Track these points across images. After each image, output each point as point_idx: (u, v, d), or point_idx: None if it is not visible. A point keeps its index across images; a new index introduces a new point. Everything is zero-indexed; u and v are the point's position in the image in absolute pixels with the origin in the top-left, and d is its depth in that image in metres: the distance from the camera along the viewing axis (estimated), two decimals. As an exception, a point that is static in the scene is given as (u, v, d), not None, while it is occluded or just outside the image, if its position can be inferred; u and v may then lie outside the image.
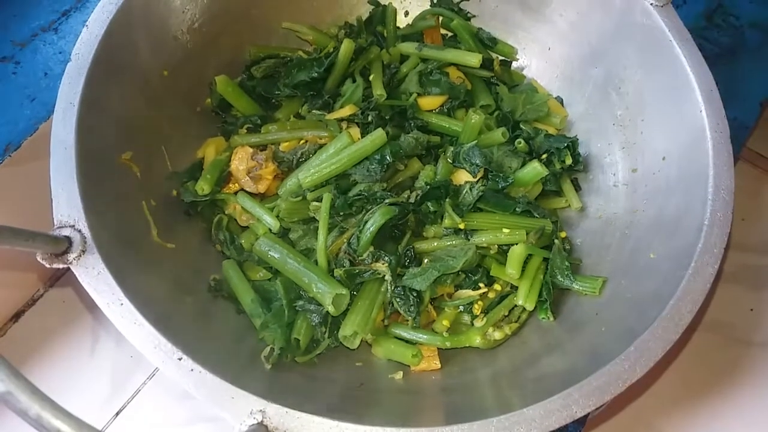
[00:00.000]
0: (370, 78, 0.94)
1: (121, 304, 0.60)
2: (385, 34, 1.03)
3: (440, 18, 1.03)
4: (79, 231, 0.62)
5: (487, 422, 0.56)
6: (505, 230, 0.81)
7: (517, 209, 0.83)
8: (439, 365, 0.77)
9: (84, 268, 0.61)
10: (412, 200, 0.81)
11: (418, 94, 0.93)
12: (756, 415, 0.91)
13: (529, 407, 0.57)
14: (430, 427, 0.57)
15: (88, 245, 0.62)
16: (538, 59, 1.02)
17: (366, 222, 0.77)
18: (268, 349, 0.72)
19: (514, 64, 1.05)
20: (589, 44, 0.93)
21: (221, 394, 0.57)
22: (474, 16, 1.04)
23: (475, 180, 0.84)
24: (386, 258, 0.76)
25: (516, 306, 0.81)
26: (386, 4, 1.04)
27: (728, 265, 1.03)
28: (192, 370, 0.58)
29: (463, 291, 0.81)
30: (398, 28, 1.04)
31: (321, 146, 0.85)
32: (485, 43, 1.02)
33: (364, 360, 0.78)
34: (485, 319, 0.79)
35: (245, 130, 0.91)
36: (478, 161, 0.84)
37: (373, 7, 1.05)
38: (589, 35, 0.93)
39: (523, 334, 0.81)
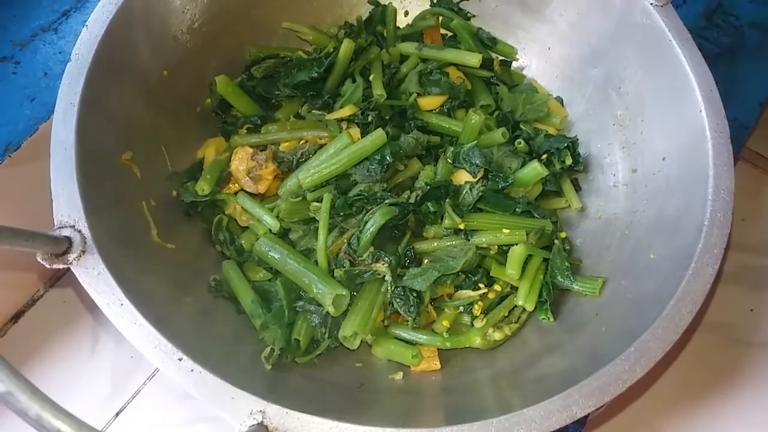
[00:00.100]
0: (370, 78, 0.94)
1: (122, 304, 0.60)
2: (385, 34, 1.03)
3: (440, 18, 1.03)
4: (80, 231, 0.62)
5: (487, 423, 0.56)
6: (505, 230, 0.81)
7: (517, 209, 0.83)
8: (439, 366, 0.77)
9: (84, 269, 0.61)
10: (412, 200, 0.81)
11: (418, 94, 0.93)
12: (756, 415, 0.91)
13: (529, 408, 0.57)
14: (430, 427, 0.57)
15: (89, 245, 0.62)
16: (538, 59, 1.02)
17: (366, 222, 0.77)
18: (268, 349, 0.72)
19: (514, 64, 1.05)
20: (589, 44, 0.93)
21: (221, 394, 0.57)
22: (474, 16, 1.04)
23: (475, 180, 0.84)
24: (386, 258, 0.76)
25: (516, 306, 0.81)
26: (386, 4, 1.04)
27: (728, 265, 1.03)
28: (192, 370, 0.58)
29: (463, 291, 0.81)
30: (398, 28, 1.04)
31: (321, 146, 0.85)
32: (485, 43, 1.02)
33: (364, 360, 0.78)
34: (485, 319, 0.79)
35: (245, 131, 0.91)
36: (478, 161, 0.84)
37: (373, 7, 1.05)
38: (589, 35, 0.93)
39: (523, 334, 0.81)
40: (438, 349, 0.78)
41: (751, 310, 1.00)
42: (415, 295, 0.77)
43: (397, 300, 0.77)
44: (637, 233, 0.80)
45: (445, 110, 0.94)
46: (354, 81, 0.95)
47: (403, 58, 0.99)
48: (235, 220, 0.86)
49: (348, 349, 0.76)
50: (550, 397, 0.58)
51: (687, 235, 0.69)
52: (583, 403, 0.58)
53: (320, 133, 0.86)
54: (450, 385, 0.74)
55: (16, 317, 0.95)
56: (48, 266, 0.60)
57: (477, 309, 0.80)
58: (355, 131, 0.86)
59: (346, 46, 0.93)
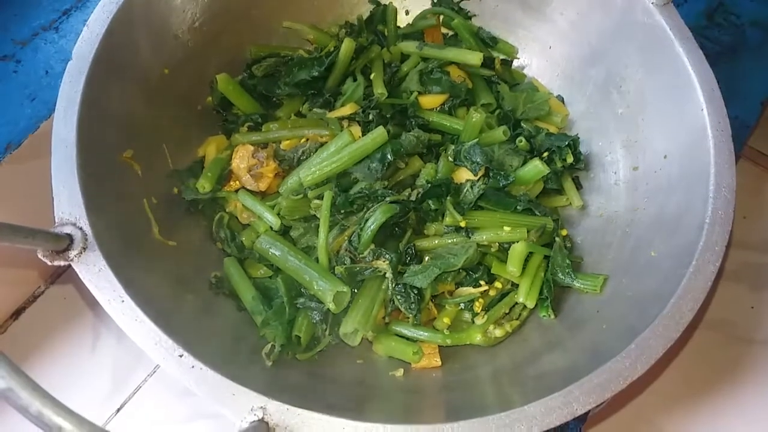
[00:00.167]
0: (371, 77, 0.94)
1: (122, 301, 0.60)
2: (386, 33, 1.03)
3: (441, 17, 1.03)
4: (81, 228, 0.62)
5: (488, 419, 0.56)
6: (506, 228, 0.81)
7: (518, 207, 0.83)
8: (440, 362, 0.77)
9: (85, 265, 0.61)
10: (413, 198, 0.81)
11: (419, 93, 0.93)
12: (757, 412, 0.91)
13: (529, 404, 0.57)
14: (431, 424, 0.57)
15: (89, 242, 0.62)
16: (539, 58, 1.02)
17: (367, 220, 0.77)
18: (269, 346, 0.72)
19: (515, 63, 1.05)
20: (590, 43, 0.93)
21: (222, 390, 0.57)
22: (474, 15, 1.04)
23: (476, 178, 0.84)
24: (387, 255, 0.76)
25: (517, 303, 0.81)
26: (387, 3, 1.04)
27: (729, 263, 1.03)
28: (193, 366, 0.58)
29: (464, 288, 0.81)
30: (399, 27, 1.04)
31: (322, 144, 0.85)
32: (486, 42, 1.02)
33: (365, 357, 0.78)
34: (486, 316, 0.79)
35: (246, 129, 0.91)
36: (479, 159, 0.84)
37: (373, 6, 1.05)
38: (589, 34, 0.93)
39: (523, 331, 0.81)
40: (439, 346, 0.78)
41: (752, 308, 1.00)
42: (415, 292, 0.77)
43: (398, 297, 0.77)
44: (638, 231, 0.80)
45: (446, 109, 0.94)
46: (355, 80, 0.95)
47: (404, 57, 1.00)
48: (236, 217, 0.86)
49: (349, 345, 0.77)
50: (551, 394, 0.58)
51: (688, 232, 0.69)
52: (584, 399, 0.58)
53: (321, 132, 0.87)
54: (451, 382, 0.74)
55: (17, 314, 0.95)
56: (49, 263, 0.60)
57: (478, 306, 0.80)
58: (356, 129, 0.86)
59: (347, 45, 0.93)
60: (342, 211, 0.79)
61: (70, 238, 0.61)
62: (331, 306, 0.73)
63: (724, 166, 0.71)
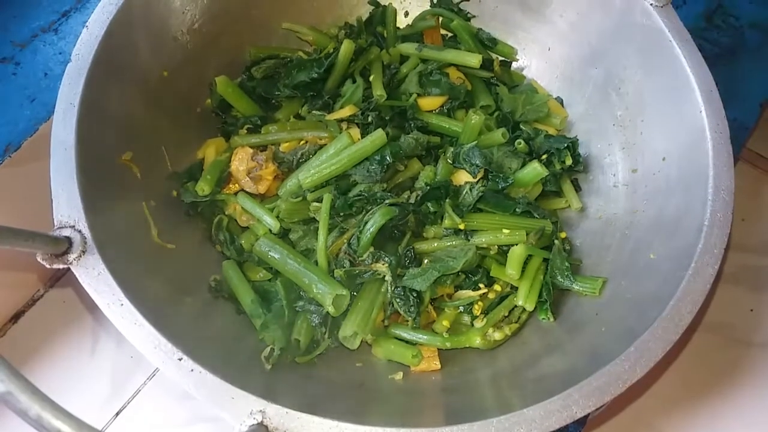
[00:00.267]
0: (370, 78, 0.94)
1: (122, 304, 0.60)
2: (385, 35, 1.03)
3: (440, 18, 1.03)
4: (80, 231, 0.62)
5: (487, 423, 0.56)
6: (505, 231, 0.81)
7: (517, 210, 0.83)
8: (439, 366, 0.77)
9: (84, 269, 0.61)
10: (412, 201, 0.81)
11: (418, 95, 0.93)
12: (756, 415, 0.91)
13: (529, 408, 0.57)
14: (430, 427, 0.57)
15: (89, 246, 0.62)
16: (538, 60, 1.03)
17: (366, 222, 0.77)
18: (268, 349, 0.72)
19: (514, 65, 1.05)
20: (589, 45, 0.93)
21: (221, 394, 0.57)
22: (474, 16, 1.05)
23: (475, 180, 0.84)
24: (386, 258, 0.76)
25: (516, 306, 0.81)
26: (386, 4, 1.04)
27: (728, 265, 1.03)
28: (192, 370, 0.58)
29: (463, 291, 0.81)
30: (398, 28, 1.04)
31: (321, 147, 0.85)
32: (485, 43, 1.02)
33: (364, 360, 0.78)
34: (485, 319, 0.79)
35: (245, 131, 0.91)
36: (478, 162, 0.84)
37: (373, 7, 1.05)
38: (589, 36, 0.93)
39: (523, 334, 0.81)
40: (438, 349, 0.78)
41: (751, 310, 1.00)
42: (415, 295, 0.77)
43: (397, 300, 0.77)
44: (637, 233, 0.80)
45: (445, 111, 0.94)
46: (354, 81, 0.95)
47: (403, 58, 1.00)
48: (235, 220, 0.86)
49: (348, 349, 0.76)
50: (550, 397, 0.58)
51: (687, 235, 0.69)
52: (583, 403, 0.58)
53: (320, 134, 0.86)
54: (450, 385, 0.74)
55: (16, 317, 0.95)
56: (48, 266, 0.60)
57: (477, 309, 0.80)
58: (355, 132, 0.86)
59: (346, 47, 0.93)
60: (341, 214, 0.79)
61: (69, 241, 0.61)
62: (331, 309, 0.73)
63: (723, 168, 0.71)
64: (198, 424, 0.88)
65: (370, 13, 1.05)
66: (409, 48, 0.98)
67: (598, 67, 0.93)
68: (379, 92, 0.91)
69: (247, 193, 0.85)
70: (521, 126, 0.93)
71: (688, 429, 0.90)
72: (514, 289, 0.82)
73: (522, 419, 0.56)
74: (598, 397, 0.58)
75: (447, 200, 0.82)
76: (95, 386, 0.90)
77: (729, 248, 0.70)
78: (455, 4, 1.04)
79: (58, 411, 0.43)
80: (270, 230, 0.82)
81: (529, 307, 0.80)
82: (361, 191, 0.80)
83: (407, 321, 0.78)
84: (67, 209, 0.63)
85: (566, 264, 0.81)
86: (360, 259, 0.77)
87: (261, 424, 0.55)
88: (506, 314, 0.81)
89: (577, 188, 0.94)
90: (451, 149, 0.88)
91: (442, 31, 1.04)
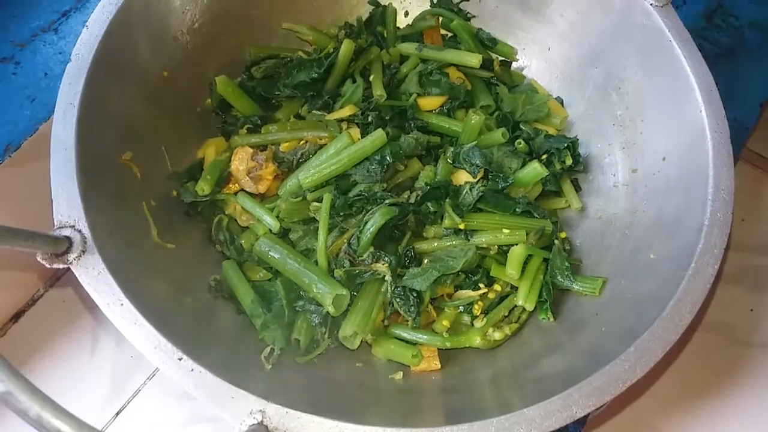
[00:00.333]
0: (370, 78, 0.94)
1: (122, 304, 0.60)
2: (385, 35, 1.03)
3: (440, 18, 1.03)
4: (80, 231, 0.62)
5: (487, 423, 0.56)
6: (505, 231, 0.81)
7: (517, 210, 0.83)
8: (439, 365, 0.77)
9: (84, 269, 0.61)
10: (412, 201, 0.81)
11: (418, 95, 0.93)
12: (756, 415, 0.91)
13: (529, 408, 0.57)
14: (430, 427, 0.57)
15: (89, 245, 0.62)
16: (538, 60, 1.03)
17: (366, 222, 0.77)
18: (268, 349, 0.72)
19: (514, 65, 1.05)
20: (589, 44, 0.93)
21: (221, 394, 0.57)
22: (474, 16, 1.04)
23: (475, 180, 0.84)
24: (386, 258, 0.76)
25: (516, 306, 0.81)
26: (386, 4, 1.04)
27: (728, 265, 1.03)
28: (192, 370, 0.58)
29: (463, 291, 0.81)
30: (398, 28, 1.04)
31: (321, 147, 0.85)
32: (485, 43, 1.02)
33: (364, 360, 0.78)
34: (485, 319, 0.79)
35: (245, 131, 0.91)
36: (478, 162, 0.84)
37: (373, 7, 1.05)
38: (589, 35, 0.93)
39: (523, 334, 0.81)
40: (438, 348, 0.78)
41: (751, 310, 1.00)
42: (415, 294, 0.77)
43: (397, 300, 0.77)
44: (637, 233, 0.80)
45: (445, 110, 0.94)
46: (354, 81, 0.95)
47: (403, 58, 1.00)
48: (235, 220, 0.86)
49: (348, 348, 0.76)
50: (550, 397, 0.58)
51: (687, 235, 0.69)
52: (583, 403, 0.58)
53: (320, 134, 0.86)
54: (450, 385, 0.73)
55: (16, 317, 0.95)
56: (48, 266, 0.60)
57: (477, 309, 0.80)
58: (355, 131, 0.86)
59: (346, 47, 0.93)
60: (341, 214, 0.79)
61: (69, 241, 0.61)
62: (331, 309, 0.73)
63: (723, 168, 0.71)
64: (198, 424, 0.88)
65: (370, 13, 1.05)
66: (409, 48, 0.98)
67: (598, 67, 0.93)
68: (379, 92, 0.91)
69: (247, 192, 0.85)
70: (521, 126, 0.93)
71: (688, 429, 0.90)
72: (514, 289, 0.82)
73: (522, 419, 0.56)
74: (598, 397, 0.58)
75: (447, 200, 0.82)
76: (95, 386, 0.90)
77: (729, 248, 0.70)
78: (455, 4, 1.04)
79: (58, 411, 0.43)
80: (270, 230, 0.82)
81: (529, 307, 0.80)
82: (361, 191, 0.80)
83: (407, 321, 0.78)
84: (67, 209, 0.63)
85: (566, 264, 0.81)
86: (360, 259, 0.77)
87: (261, 423, 0.55)
88: (506, 314, 0.81)
89: (577, 188, 0.94)
90: (451, 149, 0.88)
91: (442, 31, 1.04)
